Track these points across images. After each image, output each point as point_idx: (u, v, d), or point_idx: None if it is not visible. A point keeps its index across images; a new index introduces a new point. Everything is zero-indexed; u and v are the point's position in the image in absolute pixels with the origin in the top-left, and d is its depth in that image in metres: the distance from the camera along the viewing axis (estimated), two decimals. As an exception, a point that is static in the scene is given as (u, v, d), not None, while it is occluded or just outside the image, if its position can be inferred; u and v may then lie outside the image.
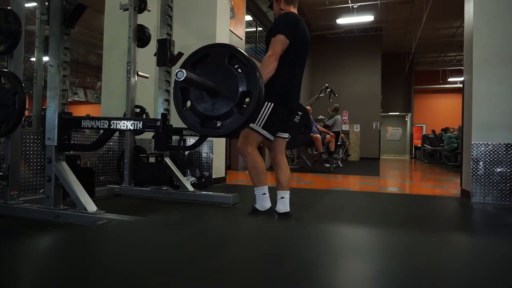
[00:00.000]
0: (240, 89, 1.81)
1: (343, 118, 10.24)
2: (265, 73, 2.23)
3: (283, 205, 2.47)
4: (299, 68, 2.45)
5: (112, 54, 4.40)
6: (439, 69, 19.29)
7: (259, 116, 2.34)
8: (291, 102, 2.44)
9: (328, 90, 8.03)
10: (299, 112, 3.00)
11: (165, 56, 3.22)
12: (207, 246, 0.39)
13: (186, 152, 4.47)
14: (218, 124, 1.88)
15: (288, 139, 2.58)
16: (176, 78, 1.62)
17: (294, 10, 2.48)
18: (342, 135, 8.49)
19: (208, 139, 3.73)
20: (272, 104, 2.35)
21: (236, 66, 1.84)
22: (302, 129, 3.14)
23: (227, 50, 1.88)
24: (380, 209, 3.24)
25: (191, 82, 1.78)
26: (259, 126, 2.36)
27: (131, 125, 2.31)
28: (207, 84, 1.83)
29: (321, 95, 8.27)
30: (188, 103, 1.99)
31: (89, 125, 2.31)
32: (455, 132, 10.09)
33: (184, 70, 1.61)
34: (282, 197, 2.47)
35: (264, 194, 2.44)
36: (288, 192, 2.50)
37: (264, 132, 2.37)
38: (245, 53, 1.88)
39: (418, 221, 2.74)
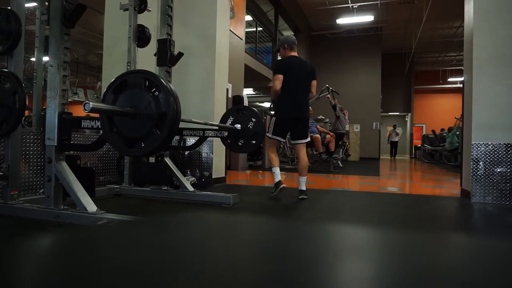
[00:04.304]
0: (157, 111, 1.97)
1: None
2: (272, 97, 3.55)
3: (302, 185, 3.47)
4: (294, 88, 3.38)
5: (112, 54, 4.40)
6: (439, 69, 19.29)
7: (269, 127, 3.50)
8: (290, 113, 3.42)
9: (331, 89, 8.04)
10: (252, 119, 3.33)
11: (165, 56, 3.22)
12: (206, 246, 0.39)
13: (186, 152, 4.47)
14: (143, 145, 2.04)
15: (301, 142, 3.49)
16: (84, 110, 1.78)
17: (293, 53, 3.51)
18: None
19: (208, 139, 3.73)
20: (275, 118, 3.47)
21: (153, 90, 2.00)
22: (254, 135, 3.32)
23: (143, 76, 2.03)
24: (380, 209, 3.24)
25: (100, 111, 2.03)
26: (270, 133, 3.49)
27: (131, 125, 2.30)
28: (118, 110, 2.00)
29: (321, 95, 8.27)
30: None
31: (89, 125, 2.31)
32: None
33: (90, 102, 1.77)
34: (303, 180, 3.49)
35: (274, 172, 3.48)
36: (304, 177, 3.48)
37: (274, 137, 3.48)
38: (160, 78, 2.04)
39: (418, 221, 2.74)
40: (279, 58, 3.71)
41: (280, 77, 3.34)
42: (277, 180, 3.42)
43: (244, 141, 3.38)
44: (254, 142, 3.39)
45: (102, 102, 2.11)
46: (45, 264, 0.35)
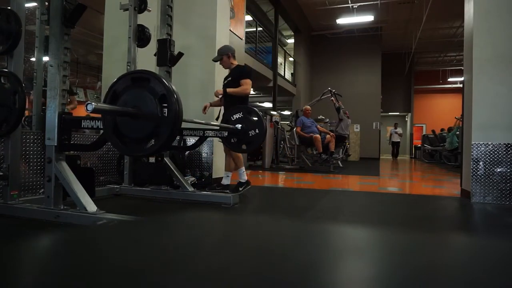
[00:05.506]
0: (157, 125, 1.93)
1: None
2: (240, 95, 3.70)
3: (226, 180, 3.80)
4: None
5: (112, 54, 4.39)
6: (439, 69, 19.30)
7: None
8: None
9: (333, 91, 8.07)
10: (256, 129, 3.33)
11: (165, 56, 3.22)
12: (206, 246, 0.39)
13: (186, 152, 4.47)
14: (131, 144, 2.03)
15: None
16: (86, 110, 1.76)
17: (236, 61, 3.84)
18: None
19: (208, 139, 3.74)
20: None
21: (164, 105, 1.93)
22: (249, 142, 3.36)
23: (163, 89, 1.95)
24: (380, 209, 3.24)
25: (102, 112, 2.04)
26: None
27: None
28: (120, 110, 1.98)
29: (323, 97, 8.30)
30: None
31: (89, 125, 2.31)
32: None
33: (93, 103, 1.75)
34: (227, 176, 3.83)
35: (243, 172, 3.79)
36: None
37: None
38: (175, 97, 1.93)
39: (418, 221, 2.74)
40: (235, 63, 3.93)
41: (251, 82, 3.78)
42: (245, 179, 3.75)
43: (237, 140, 3.37)
44: (245, 147, 3.37)
45: (116, 82, 2.07)
46: (45, 264, 0.35)
